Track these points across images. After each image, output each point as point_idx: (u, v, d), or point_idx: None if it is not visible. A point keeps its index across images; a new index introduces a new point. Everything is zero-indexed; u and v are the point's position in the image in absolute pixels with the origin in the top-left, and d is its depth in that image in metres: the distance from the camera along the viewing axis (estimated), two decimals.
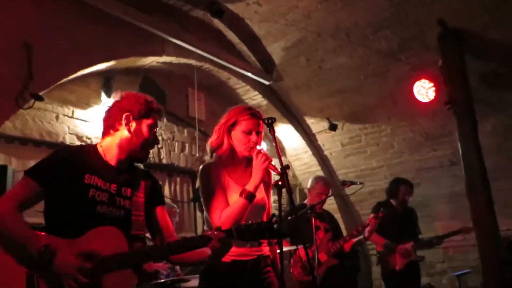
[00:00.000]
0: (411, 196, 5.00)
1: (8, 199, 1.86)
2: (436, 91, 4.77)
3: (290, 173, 6.63)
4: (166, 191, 5.09)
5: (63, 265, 1.75)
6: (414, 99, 5.09)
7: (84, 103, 4.46)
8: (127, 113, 2.01)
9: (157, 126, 2.11)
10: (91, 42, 4.03)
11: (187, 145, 5.34)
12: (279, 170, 2.31)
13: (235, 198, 2.38)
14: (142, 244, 1.98)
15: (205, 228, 2.52)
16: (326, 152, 6.40)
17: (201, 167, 2.52)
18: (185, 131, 5.36)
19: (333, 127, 5.89)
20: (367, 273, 6.50)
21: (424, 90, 4.79)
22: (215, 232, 1.94)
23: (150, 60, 4.77)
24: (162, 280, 3.19)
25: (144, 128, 2.04)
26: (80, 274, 1.75)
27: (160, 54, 4.68)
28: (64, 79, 3.93)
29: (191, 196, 5.18)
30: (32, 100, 3.63)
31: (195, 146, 5.31)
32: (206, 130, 5.41)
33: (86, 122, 4.41)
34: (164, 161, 5.05)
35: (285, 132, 6.27)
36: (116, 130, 2.03)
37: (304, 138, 6.28)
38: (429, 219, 5.87)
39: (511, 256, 4.81)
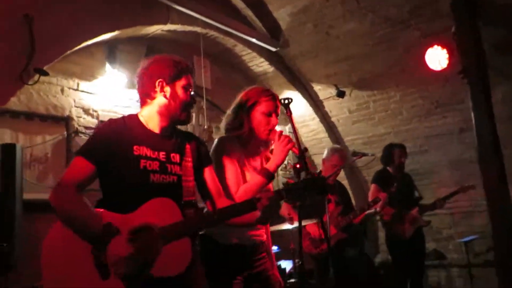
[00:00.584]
0: (406, 158, 4.97)
1: (66, 184, 1.88)
2: (449, 59, 4.64)
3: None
4: None
5: (114, 251, 1.80)
6: (425, 66, 4.97)
7: (89, 75, 4.35)
8: (159, 80, 2.01)
9: (191, 86, 2.09)
10: (94, 13, 3.89)
11: (194, 115, 5.26)
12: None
13: (247, 179, 2.36)
14: (194, 210, 2.00)
15: None
16: (333, 119, 6.33)
17: (219, 137, 2.48)
18: None
19: (340, 94, 5.80)
20: (374, 239, 6.56)
21: (436, 58, 4.66)
22: (265, 192, 1.96)
23: (155, 29, 4.62)
24: None
25: (180, 91, 2.03)
26: (127, 263, 1.78)
27: (164, 22, 4.53)
28: (68, 52, 3.81)
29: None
30: (37, 75, 3.54)
31: (202, 116, 5.22)
32: (213, 99, 5.34)
33: (92, 95, 4.32)
34: None
35: (292, 98, 6.14)
36: (153, 98, 2.04)
37: (311, 105, 6.19)
38: (437, 185, 5.87)
39: None
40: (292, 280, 3.81)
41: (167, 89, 2.02)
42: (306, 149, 2.37)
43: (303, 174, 2.23)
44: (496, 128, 4.26)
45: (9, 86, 3.42)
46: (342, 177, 6.03)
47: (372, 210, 4.46)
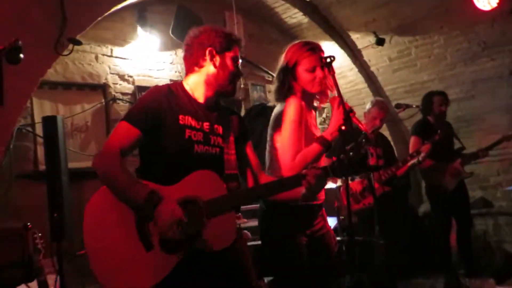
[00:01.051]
0: (448, 106, 4.71)
1: (109, 148, 1.85)
2: None
3: (335, 92, 6.39)
4: None
5: (165, 215, 1.73)
6: (470, 5, 4.63)
7: (121, 40, 4.31)
8: (210, 48, 1.98)
9: (239, 58, 2.07)
10: None
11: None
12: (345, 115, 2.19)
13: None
14: (237, 183, 1.98)
15: (268, 165, 2.44)
16: (372, 68, 6.07)
17: (293, 101, 2.35)
18: None
19: (380, 42, 5.52)
20: (417, 190, 6.44)
21: None
22: (311, 169, 1.92)
23: None
24: None
25: (229, 61, 2.01)
26: (182, 224, 1.74)
27: None
28: (99, 18, 3.74)
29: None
30: (71, 45, 3.51)
31: None
32: (247, 56, 5.20)
33: (126, 60, 4.30)
34: None
35: (328, 49, 5.76)
36: (201, 66, 2.00)
37: (348, 55, 5.95)
38: (484, 132, 5.61)
39: None
40: (338, 238, 3.78)
41: (217, 59, 1.98)
42: (351, 110, 2.26)
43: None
44: None
45: (45, 58, 3.42)
46: (383, 128, 5.87)
47: (415, 160, 4.29)
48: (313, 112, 2.54)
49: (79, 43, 3.52)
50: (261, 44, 5.44)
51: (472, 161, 4.90)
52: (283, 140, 2.30)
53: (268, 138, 2.44)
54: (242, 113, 5.11)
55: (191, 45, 2.02)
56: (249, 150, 2.16)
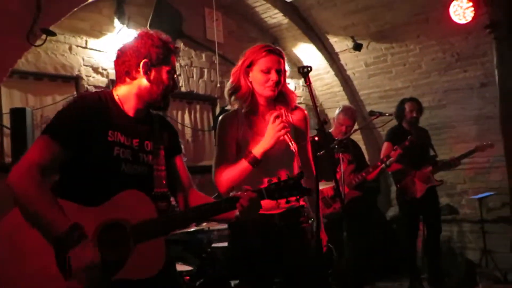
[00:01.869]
0: (421, 113, 4.78)
1: (28, 167, 1.62)
2: (475, 11, 4.38)
3: None
4: (186, 119, 4.98)
5: (78, 258, 1.57)
6: (447, 17, 4.72)
7: (97, 31, 4.20)
8: (144, 60, 1.79)
9: (175, 70, 1.91)
10: None
11: (205, 70, 5.12)
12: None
13: (252, 147, 2.26)
14: (167, 203, 1.85)
15: None
16: (349, 72, 6.13)
17: (220, 118, 2.39)
18: (203, 55, 5.10)
19: (357, 47, 5.57)
20: (386, 194, 6.55)
21: (461, 10, 4.40)
22: (245, 192, 1.82)
23: None
24: (192, 229, 3.19)
25: (164, 75, 1.84)
26: (90, 272, 1.58)
27: None
28: (75, 8, 3.65)
29: (212, 124, 5.07)
30: (44, 35, 3.41)
31: (214, 72, 5.09)
32: (225, 54, 5.17)
33: (100, 52, 4.19)
34: (182, 89, 4.86)
35: (307, 51, 5.96)
36: (134, 78, 1.82)
37: (326, 58, 5.98)
38: (454, 140, 5.75)
39: None
40: None
41: (152, 73, 1.82)
42: (326, 122, 2.27)
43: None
44: None
45: (16, 47, 3.31)
46: (357, 133, 5.94)
47: (383, 166, 4.37)
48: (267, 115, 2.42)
49: (53, 34, 3.43)
50: (240, 42, 5.40)
51: (444, 169, 5.03)
52: (215, 155, 2.32)
53: None
54: (217, 111, 5.10)
55: (125, 52, 1.84)
56: (179, 164, 2.01)
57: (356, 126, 5.28)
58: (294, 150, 2.22)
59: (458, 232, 5.98)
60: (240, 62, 2.35)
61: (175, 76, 1.90)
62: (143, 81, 1.82)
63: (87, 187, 1.72)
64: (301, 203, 2.48)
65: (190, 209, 1.93)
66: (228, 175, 2.22)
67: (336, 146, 3.88)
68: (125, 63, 1.82)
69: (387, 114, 4.05)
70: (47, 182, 1.67)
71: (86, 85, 4.07)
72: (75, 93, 3.99)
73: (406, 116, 4.71)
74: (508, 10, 3.90)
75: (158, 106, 1.90)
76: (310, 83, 2.29)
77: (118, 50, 1.88)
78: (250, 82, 2.32)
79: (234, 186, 2.23)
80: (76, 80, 4.01)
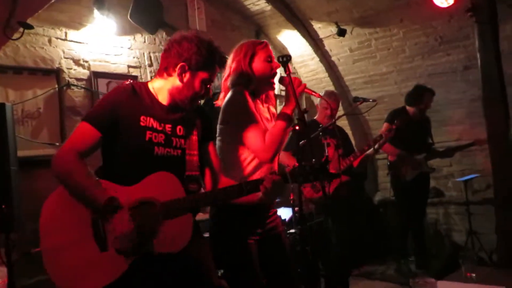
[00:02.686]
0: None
1: (69, 149, 1.84)
2: None
3: None
4: None
5: (120, 225, 1.78)
6: (431, 0, 4.71)
7: (77, 23, 4.13)
8: (182, 63, 1.92)
9: (213, 81, 2.01)
10: None
11: None
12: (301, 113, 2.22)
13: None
14: (197, 185, 1.98)
15: (222, 155, 2.43)
16: (333, 58, 6.12)
17: (231, 92, 2.39)
18: None
19: (341, 33, 5.56)
20: (373, 178, 6.61)
21: None
22: (269, 175, 1.92)
23: None
24: None
25: (197, 82, 1.95)
26: (134, 235, 1.77)
27: None
28: (52, 0, 3.59)
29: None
30: (21, 29, 3.35)
31: None
32: None
33: (81, 44, 4.13)
34: None
35: (291, 38, 5.93)
36: (170, 75, 1.97)
37: (310, 44, 5.96)
38: (439, 124, 5.79)
39: None
40: (292, 230, 3.84)
41: (187, 75, 1.94)
42: (306, 110, 2.28)
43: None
44: (502, 66, 4.13)
45: None
46: (343, 119, 5.96)
47: (371, 149, 4.41)
48: (268, 106, 2.58)
49: (30, 27, 3.38)
50: (223, 30, 5.37)
51: (440, 158, 5.11)
52: (244, 127, 2.30)
53: (219, 132, 2.43)
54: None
55: (170, 49, 1.97)
56: (211, 150, 2.15)
57: (341, 112, 5.33)
58: (296, 128, 2.26)
59: (444, 214, 6.06)
60: (241, 55, 2.42)
61: (208, 85, 1.99)
62: (176, 81, 1.96)
63: (123, 169, 1.90)
64: None
65: (216, 190, 2.05)
66: (272, 139, 2.26)
67: (320, 134, 3.89)
68: (167, 59, 1.97)
69: (370, 100, 4.06)
70: (86, 162, 1.86)
71: (67, 78, 4.02)
72: (56, 86, 3.93)
73: (421, 105, 4.79)
74: None
75: (184, 106, 2.01)
76: (289, 72, 2.31)
77: (167, 44, 2.00)
78: (254, 72, 2.41)
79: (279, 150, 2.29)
80: (57, 73, 3.95)
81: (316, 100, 4.68)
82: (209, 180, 2.13)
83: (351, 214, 4.90)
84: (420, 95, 4.83)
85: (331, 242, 4.43)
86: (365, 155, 4.44)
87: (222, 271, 3.22)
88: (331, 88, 6.02)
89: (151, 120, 1.93)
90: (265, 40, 2.56)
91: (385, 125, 4.76)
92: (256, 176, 2.28)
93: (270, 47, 2.48)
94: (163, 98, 2.00)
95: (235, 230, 2.31)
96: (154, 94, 2.00)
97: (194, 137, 2.03)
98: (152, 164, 1.89)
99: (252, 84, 2.41)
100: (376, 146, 4.43)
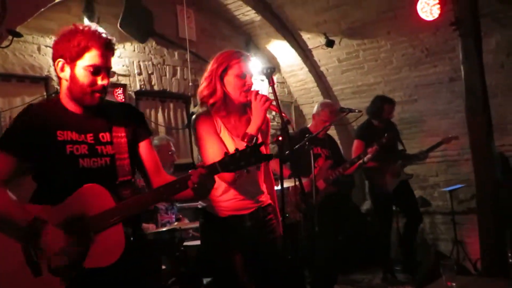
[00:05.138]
0: (393, 113, 4.95)
1: None
2: (441, 9, 4.48)
3: (285, 90, 6.49)
4: (160, 118, 4.97)
5: (50, 243, 1.71)
6: (416, 13, 4.81)
7: None
8: (58, 59, 1.79)
9: (101, 67, 1.79)
10: None
11: (178, 68, 5.11)
12: (282, 116, 2.24)
13: (231, 148, 2.28)
14: (130, 190, 1.87)
15: None
16: (322, 68, 6.20)
17: (193, 117, 2.41)
18: (176, 53, 5.09)
19: (330, 44, 5.63)
20: (361, 187, 6.65)
21: (428, 8, 4.50)
22: (196, 169, 1.80)
23: None
24: (164, 229, 3.21)
25: (79, 72, 1.77)
26: (69, 249, 1.71)
27: None
28: (42, 9, 3.62)
29: (185, 122, 5.08)
30: (10, 36, 3.38)
31: (187, 70, 5.09)
32: (198, 51, 5.19)
33: None
34: (155, 88, 4.86)
35: (280, 48, 6.01)
36: (59, 78, 1.85)
37: (299, 54, 6.03)
38: (425, 134, 5.89)
39: (505, 174, 4.89)
40: None
41: (67, 70, 1.79)
42: (289, 122, 2.31)
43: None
44: (486, 79, 4.21)
45: None
46: (331, 129, 6.01)
47: (361, 162, 4.45)
48: (244, 118, 2.50)
49: (19, 35, 3.40)
50: (213, 39, 5.42)
51: (414, 163, 5.15)
52: (206, 152, 2.29)
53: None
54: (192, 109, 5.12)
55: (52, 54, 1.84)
56: (144, 150, 2.00)
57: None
58: (280, 138, 2.26)
59: (431, 224, 6.13)
60: (213, 67, 2.38)
61: (100, 72, 1.79)
62: (64, 82, 1.83)
63: (53, 188, 1.80)
64: (269, 201, 2.55)
65: (146, 192, 1.95)
66: None
67: (307, 143, 3.93)
68: (53, 64, 1.84)
69: (356, 111, 4.12)
70: (6, 189, 1.78)
71: (56, 86, 4.03)
72: (44, 94, 3.95)
73: (382, 116, 4.83)
74: (472, 7, 3.99)
75: (84, 104, 1.83)
76: (273, 83, 2.35)
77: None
78: (225, 87, 2.36)
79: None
80: (45, 80, 3.97)
81: (308, 109, 4.72)
82: (150, 180, 2.03)
83: (338, 222, 4.94)
84: (379, 108, 4.86)
85: (318, 250, 4.46)
86: (355, 167, 4.47)
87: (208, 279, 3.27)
88: (320, 98, 6.09)
89: (69, 133, 1.82)
90: (246, 54, 2.45)
91: (356, 141, 4.78)
92: (231, 195, 2.28)
93: (249, 64, 2.40)
94: (74, 107, 1.85)
95: (221, 239, 2.34)
96: (65, 105, 1.86)
97: (123, 140, 1.90)
98: (79, 177, 1.79)
99: (218, 102, 2.37)
100: (366, 159, 4.44)
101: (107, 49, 1.80)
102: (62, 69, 1.80)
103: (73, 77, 1.79)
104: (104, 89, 1.83)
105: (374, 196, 5.06)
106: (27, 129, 1.79)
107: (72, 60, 1.77)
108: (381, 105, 4.85)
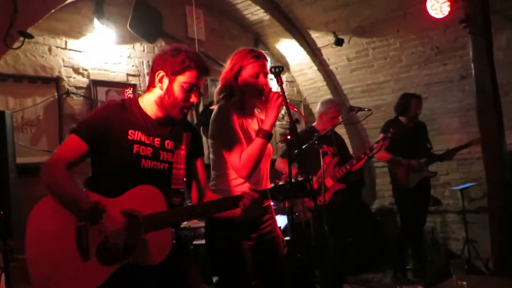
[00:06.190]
0: (421, 110, 4.94)
1: (57, 159, 1.89)
2: (451, 6, 4.45)
3: (294, 89, 6.48)
4: None
5: (112, 222, 1.82)
6: (425, 11, 4.78)
7: (77, 32, 4.20)
8: (159, 71, 1.98)
9: (198, 87, 2.01)
10: None
11: None
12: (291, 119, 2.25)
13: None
14: (181, 199, 2.02)
15: (212, 171, 2.49)
16: (331, 67, 6.18)
17: (217, 107, 2.43)
18: None
19: (339, 42, 5.62)
20: (371, 186, 6.63)
21: (438, 5, 4.47)
22: (249, 192, 1.99)
23: None
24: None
25: (177, 87, 1.97)
26: (126, 231, 1.82)
27: None
28: (53, 10, 3.66)
29: (195, 121, 5.10)
30: (22, 38, 3.42)
31: None
32: (207, 51, 5.18)
33: (80, 53, 4.19)
34: None
35: (289, 47, 6.00)
36: (153, 86, 2.02)
37: (308, 53, 6.02)
38: (436, 132, 5.83)
39: None
40: (287, 238, 3.88)
41: (165, 81, 1.98)
42: (298, 121, 2.33)
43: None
44: (497, 76, 4.18)
45: None
46: (340, 127, 5.99)
47: (366, 158, 4.45)
48: (255, 118, 2.57)
49: (30, 36, 3.44)
50: (221, 39, 5.44)
51: (438, 162, 5.13)
52: (225, 144, 2.34)
53: (210, 145, 2.47)
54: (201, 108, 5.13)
55: (153, 62, 2.05)
56: (199, 166, 2.20)
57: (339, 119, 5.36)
58: (288, 137, 2.31)
59: (442, 223, 6.08)
60: (228, 68, 2.44)
61: (193, 90, 1.98)
62: (159, 90, 2.00)
63: (110, 181, 1.94)
64: (269, 201, 2.55)
65: (196, 205, 2.15)
66: (247, 156, 2.28)
67: (316, 142, 3.93)
68: (151, 71, 2.05)
69: (366, 109, 4.12)
70: (73, 172, 1.91)
71: (67, 86, 4.08)
72: (55, 94, 3.99)
73: (410, 112, 4.85)
74: (482, 5, 3.95)
75: (171, 116, 2.02)
76: (282, 83, 2.35)
77: (152, 61, 2.09)
78: (239, 87, 2.41)
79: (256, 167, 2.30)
80: (56, 81, 4.01)
81: (317, 108, 4.71)
82: (195, 194, 2.20)
83: (348, 222, 4.94)
84: (406, 104, 4.88)
85: (328, 250, 4.46)
86: (362, 163, 4.47)
87: (217, 278, 3.28)
88: (329, 97, 6.06)
89: (139, 133, 1.98)
90: (261, 52, 2.50)
91: (381, 135, 4.80)
92: (245, 188, 2.31)
93: (263, 62, 2.44)
94: (152, 112, 2.04)
95: (229, 236, 2.34)
96: (143, 108, 2.04)
97: (182, 152, 2.07)
98: (138, 176, 1.94)
99: (235, 98, 2.42)
100: (370, 154, 4.46)
101: (205, 72, 2.03)
102: (160, 81, 1.99)
103: (169, 89, 1.97)
104: (192, 106, 2.05)
105: (396, 193, 5.07)
106: (104, 121, 1.94)
107: (172, 74, 1.96)
108: (407, 101, 4.88)
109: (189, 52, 1.99)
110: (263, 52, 2.54)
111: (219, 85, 2.48)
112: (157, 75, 1.99)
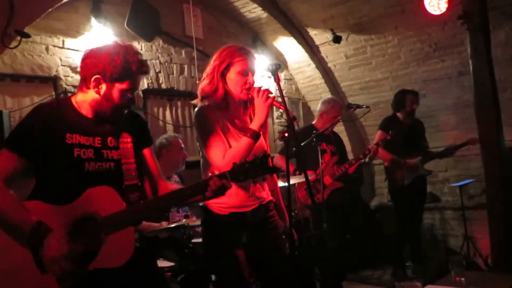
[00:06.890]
0: (418, 105, 4.94)
1: None
2: (449, 3, 4.44)
3: (293, 87, 6.48)
4: (168, 116, 4.99)
5: (47, 254, 1.68)
6: (423, 8, 4.77)
7: (74, 31, 4.19)
8: (96, 76, 1.82)
9: (134, 90, 1.89)
10: None
11: (186, 66, 5.13)
12: (287, 118, 2.23)
13: (233, 144, 2.30)
14: (139, 194, 1.91)
15: (202, 174, 2.47)
16: (329, 64, 6.18)
17: (196, 108, 2.39)
18: (183, 52, 5.11)
19: (337, 40, 5.61)
20: (370, 184, 6.63)
21: (435, 2, 4.45)
22: (211, 181, 1.85)
23: None
24: (172, 225, 3.23)
25: (115, 93, 1.85)
26: (68, 258, 1.68)
27: None
28: (50, 9, 3.65)
29: (193, 120, 5.09)
30: (19, 37, 3.41)
31: (194, 68, 5.10)
32: (205, 49, 5.19)
33: (78, 52, 4.18)
34: (163, 86, 4.89)
35: (287, 44, 5.99)
36: (88, 88, 1.86)
37: (306, 51, 6.02)
38: (434, 129, 5.84)
39: None
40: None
41: (103, 87, 1.84)
42: (295, 118, 2.29)
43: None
44: (495, 73, 4.17)
45: None
46: (338, 123, 5.99)
47: (366, 159, 4.46)
48: (247, 119, 2.48)
49: (27, 35, 3.43)
50: (219, 37, 5.43)
51: (438, 159, 5.13)
52: (206, 144, 2.28)
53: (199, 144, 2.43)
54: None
55: (85, 60, 1.87)
56: (148, 155, 2.08)
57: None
58: (286, 135, 2.27)
59: (441, 219, 6.09)
60: (215, 63, 2.35)
61: (130, 94, 1.88)
62: (94, 94, 1.87)
63: (56, 189, 1.81)
64: (270, 198, 2.54)
65: (156, 198, 2.01)
66: (232, 154, 2.21)
67: (314, 139, 3.93)
68: (83, 69, 1.87)
69: (364, 106, 4.12)
70: (13, 189, 1.76)
71: (64, 85, 4.07)
72: (53, 93, 3.99)
73: (406, 108, 4.85)
74: (480, 1, 3.94)
75: (108, 117, 1.92)
76: (279, 80, 2.33)
77: (84, 53, 1.89)
78: (226, 84, 2.34)
79: None
80: (54, 80, 4.01)
81: (315, 106, 4.71)
82: (148, 186, 2.08)
83: (347, 219, 4.94)
84: (402, 99, 4.88)
85: (327, 247, 4.46)
86: (360, 163, 4.47)
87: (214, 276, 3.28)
88: (328, 94, 6.07)
89: (77, 136, 1.85)
90: (250, 49, 2.44)
91: (379, 132, 4.81)
92: (233, 188, 2.22)
93: (252, 60, 2.38)
94: (87, 112, 1.91)
95: (224, 236, 2.34)
96: (78, 108, 1.90)
97: (129, 145, 1.95)
98: (85, 181, 1.81)
99: (220, 95, 2.34)
100: (366, 160, 4.47)
101: (144, 74, 1.93)
102: (96, 85, 1.84)
103: (107, 95, 1.85)
104: (132, 104, 1.94)
105: (392, 191, 5.07)
106: (36, 129, 1.79)
107: (111, 81, 1.83)
108: (402, 96, 4.87)
109: (129, 55, 1.84)
110: (250, 50, 2.46)
111: (205, 81, 2.37)
112: (93, 79, 1.83)
